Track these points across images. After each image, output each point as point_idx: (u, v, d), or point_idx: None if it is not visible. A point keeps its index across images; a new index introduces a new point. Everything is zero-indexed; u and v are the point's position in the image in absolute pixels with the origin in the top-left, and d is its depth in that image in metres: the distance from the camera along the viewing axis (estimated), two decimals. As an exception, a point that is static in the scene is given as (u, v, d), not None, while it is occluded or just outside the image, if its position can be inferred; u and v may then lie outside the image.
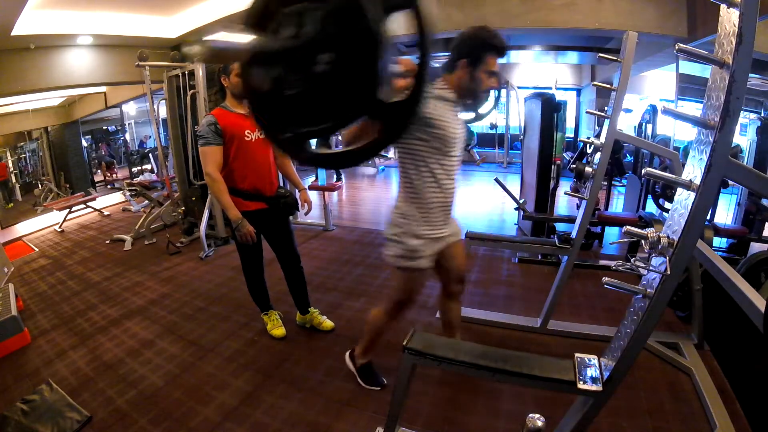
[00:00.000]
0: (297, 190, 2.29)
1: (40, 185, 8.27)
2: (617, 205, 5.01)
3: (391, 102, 0.62)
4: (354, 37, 0.58)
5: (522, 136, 4.46)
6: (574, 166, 2.55)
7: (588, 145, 2.28)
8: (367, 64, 0.58)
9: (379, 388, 1.91)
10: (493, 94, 2.20)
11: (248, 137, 2.04)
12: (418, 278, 1.65)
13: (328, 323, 2.46)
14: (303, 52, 0.60)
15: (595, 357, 1.14)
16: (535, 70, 8.16)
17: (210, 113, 2.05)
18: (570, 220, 3.18)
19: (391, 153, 5.33)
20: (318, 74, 0.60)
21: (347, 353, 2.04)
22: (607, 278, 1.07)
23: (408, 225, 1.57)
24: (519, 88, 8.13)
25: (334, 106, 0.62)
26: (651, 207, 3.66)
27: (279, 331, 2.36)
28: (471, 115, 2.12)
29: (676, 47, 0.87)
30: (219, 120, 1.98)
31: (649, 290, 1.02)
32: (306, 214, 2.31)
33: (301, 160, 0.74)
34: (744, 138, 3.28)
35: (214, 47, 0.62)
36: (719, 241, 3.14)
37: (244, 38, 0.64)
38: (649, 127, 4.06)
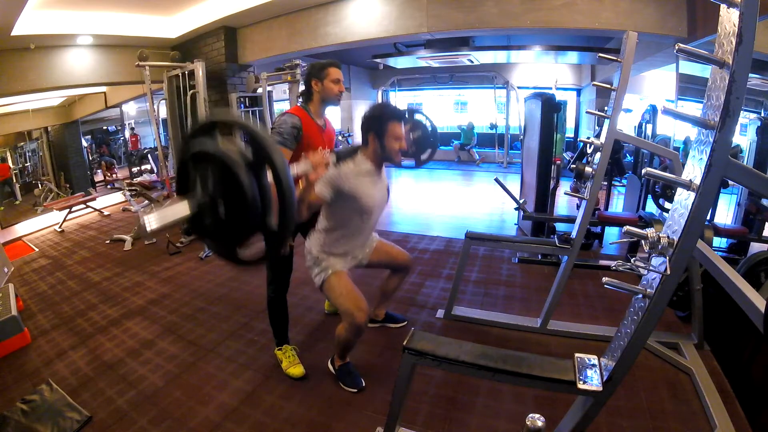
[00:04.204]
0: None
1: (40, 185, 8.27)
2: (617, 205, 5.01)
3: (269, 226, 0.92)
4: (232, 190, 0.88)
5: (522, 136, 4.46)
6: (574, 166, 2.55)
7: (588, 145, 2.27)
8: (243, 206, 0.88)
9: (355, 390, 1.91)
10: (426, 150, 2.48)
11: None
12: (342, 283, 1.84)
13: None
14: (209, 204, 0.92)
15: (595, 357, 1.14)
16: (535, 70, 8.16)
17: (295, 112, 1.89)
18: (570, 220, 3.18)
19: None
20: (220, 215, 0.92)
21: (329, 360, 2.08)
22: (607, 278, 1.07)
23: (320, 250, 1.89)
24: (519, 88, 8.15)
25: (233, 229, 0.94)
26: (651, 207, 3.65)
27: (297, 369, 2.04)
28: (412, 161, 2.43)
29: (676, 47, 0.87)
30: (304, 126, 1.85)
31: (649, 290, 1.02)
32: None
33: (234, 264, 1.04)
34: (744, 138, 3.28)
35: (159, 228, 0.86)
36: (719, 241, 3.14)
37: (177, 208, 0.91)
38: (649, 127, 4.06)
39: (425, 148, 2.46)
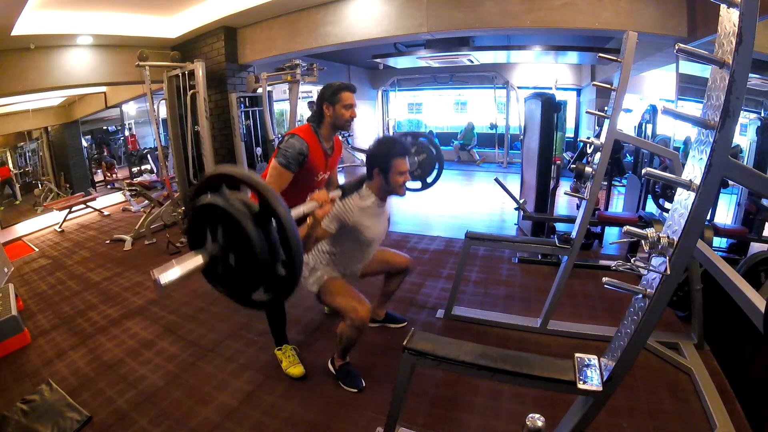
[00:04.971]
0: None
1: (40, 185, 8.27)
2: (617, 205, 5.01)
3: (278, 275, 0.98)
4: (241, 243, 0.92)
5: (522, 136, 4.46)
6: (574, 166, 2.55)
7: (588, 145, 2.28)
8: (252, 257, 0.92)
9: (355, 391, 1.92)
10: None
11: (318, 177, 1.98)
12: (338, 284, 1.92)
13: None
14: (220, 256, 0.97)
15: (595, 357, 1.14)
16: (535, 70, 8.16)
17: (305, 137, 1.86)
18: (570, 220, 3.18)
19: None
20: (232, 264, 0.97)
21: (329, 360, 2.08)
22: (607, 278, 1.07)
23: (317, 262, 1.96)
24: (519, 88, 8.15)
25: (245, 277, 0.98)
26: (651, 207, 3.65)
27: (297, 369, 2.06)
28: (418, 184, 2.54)
29: (676, 47, 0.87)
30: (310, 153, 1.86)
31: (649, 290, 1.02)
32: None
33: (246, 307, 1.09)
34: (744, 138, 3.28)
35: (170, 282, 0.87)
36: (719, 241, 3.14)
37: (190, 262, 0.93)
38: (649, 127, 4.06)
39: (431, 170, 2.53)
